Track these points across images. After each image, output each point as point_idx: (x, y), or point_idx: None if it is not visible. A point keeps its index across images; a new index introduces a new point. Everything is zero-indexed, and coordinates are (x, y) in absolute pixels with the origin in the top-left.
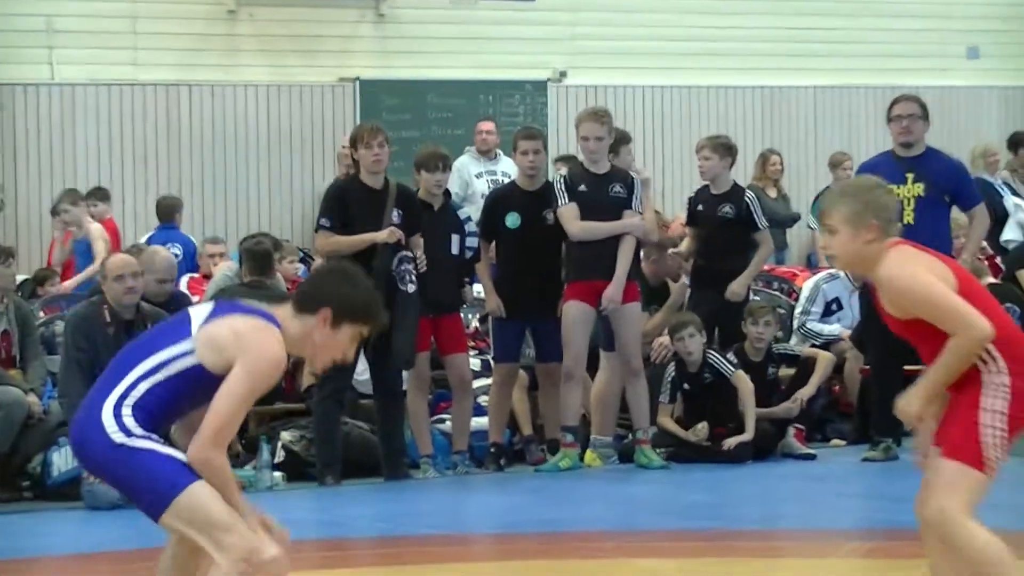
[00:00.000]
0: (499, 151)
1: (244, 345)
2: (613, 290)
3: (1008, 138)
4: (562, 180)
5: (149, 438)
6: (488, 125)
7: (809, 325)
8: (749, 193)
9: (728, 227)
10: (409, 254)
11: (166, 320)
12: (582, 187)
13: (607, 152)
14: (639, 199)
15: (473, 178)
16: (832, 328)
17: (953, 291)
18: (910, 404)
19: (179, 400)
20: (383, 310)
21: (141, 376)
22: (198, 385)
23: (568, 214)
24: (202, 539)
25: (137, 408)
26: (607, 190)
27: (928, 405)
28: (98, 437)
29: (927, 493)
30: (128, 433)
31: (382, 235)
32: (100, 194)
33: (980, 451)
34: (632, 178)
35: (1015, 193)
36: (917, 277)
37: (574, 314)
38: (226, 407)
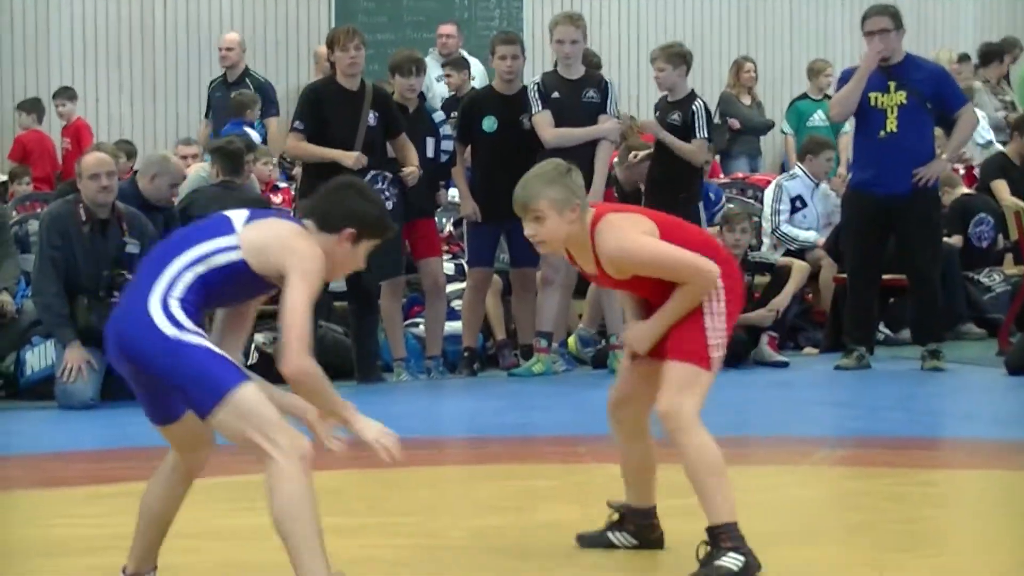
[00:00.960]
0: (466, 55)
1: (289, 247)
2: (592, 196)
3: (979, 49)
4: (535, 87)
5: (200, 334)
6: (449, 28)
7: (784, 228)
8: (698, 102)
9: (674, 134)
10: (385, 173)
11: (198, 222)
12: (555, 94)
13: (581, 57)
14: (614, 103)
15: (433, 81)
16: (808, 235)
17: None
18: (643, 343)
19: (221, 293)
20: (392, 222)
21: (184, 267)
22: (240, 281)
23: (542, 121)
24: (256, 435)
25: (183, 301)
26: (581, 96)
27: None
28: (148, 333)
29: (660, 391)
30: (180, 327)
31: (349, 158)
32: (67, 93)
33: (707, 352)
34: (606, 82)
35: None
36: (642, 243)
37: None
38: (296, 317)
